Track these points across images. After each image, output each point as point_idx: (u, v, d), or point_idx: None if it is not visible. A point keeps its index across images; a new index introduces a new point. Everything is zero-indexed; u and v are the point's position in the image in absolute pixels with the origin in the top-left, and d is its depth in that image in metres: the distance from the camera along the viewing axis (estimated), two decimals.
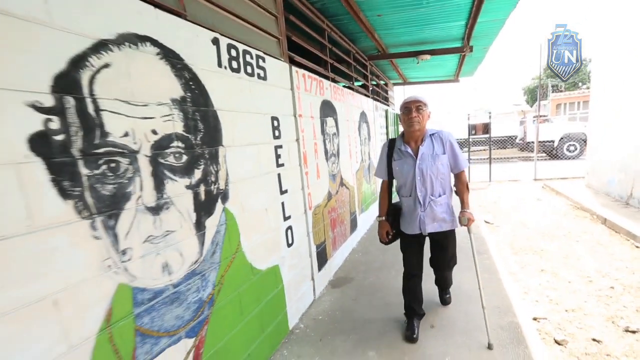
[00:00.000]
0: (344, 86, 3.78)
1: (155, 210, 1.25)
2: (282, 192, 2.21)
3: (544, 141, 14.71)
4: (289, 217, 2.30)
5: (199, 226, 1.47)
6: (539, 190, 7.10)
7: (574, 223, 4.69)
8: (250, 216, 1.84)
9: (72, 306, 0.97)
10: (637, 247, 3.66)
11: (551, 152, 14.28)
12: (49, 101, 0.93)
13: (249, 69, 1.87)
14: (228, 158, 1.67)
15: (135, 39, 1.19)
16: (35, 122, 0.90)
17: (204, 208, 1.49)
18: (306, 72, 2.69)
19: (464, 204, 2.02)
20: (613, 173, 5.37)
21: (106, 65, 1.09)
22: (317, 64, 3.17)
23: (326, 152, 3.05)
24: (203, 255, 1.48)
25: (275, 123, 2.15)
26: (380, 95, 6.12)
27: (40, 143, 0.90)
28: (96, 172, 1.05)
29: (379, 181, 2.51)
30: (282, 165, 2.21)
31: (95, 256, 1.04)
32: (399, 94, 9.38)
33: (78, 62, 1.00)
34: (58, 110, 0.95)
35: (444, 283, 2.40)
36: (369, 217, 4.68)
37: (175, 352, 1.33)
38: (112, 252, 1.09)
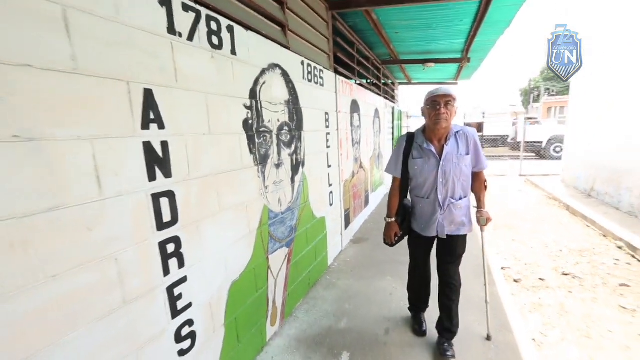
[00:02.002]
0: (360, 84, 4.65)
1: (277, 166, 2.13)
2: (328, 166, 3.11)
3: (533, 142, 15.77)
4: (331, 185, 3.20)
5: (292, 180, 2.36)
6: (522, 184, 8.12)
7: (544, 209, 5.69)
8: (313, 180, 2.74)
9: (251, 211, 1.86)
10: (587, 226, 4.66)
11: (539, 152, 15.29)
12: (247, 102, 1.80)
13: (316, 79, 2.74)
14: (304, 139, 2.54)
15: (274, 66, 2.06)
16: (244, 114, 1.77)
17: (294, 169, 2.38)
18: (343, 78, 3.55)
19: (481, 203, 1.93)
20: (580, 170, 6.38)
21: (264, 82, 1.95)
22: (346, 69, 4.03)
23: (353, 140, 3.95)
24: (293, 198, 2.38)
25: (327, 117, 3.03)
26: (388, 94, 6.99)
27: (244, 125, 1.78)
28: (259, 141, 1.92)
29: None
30: (329, 147, 3.10)
31: (257, 186, 1.92)
32: (403, 93, 10.24)
33: (256, 81, 1.87)
34: (250, 107, 1.82)
35: (448, 311, 1.96)
36: (377, 197, 5.60)
37: (281, 253, 2.23)
38: (262, 186, 1.97)
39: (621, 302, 2.76)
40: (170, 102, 1.28)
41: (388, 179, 6.84)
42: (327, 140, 3.05)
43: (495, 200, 6.22)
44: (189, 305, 1.42)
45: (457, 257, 1.95)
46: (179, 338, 1.37)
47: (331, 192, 3.20)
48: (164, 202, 1.26)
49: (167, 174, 1.27)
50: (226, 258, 1.65)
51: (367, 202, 4.83)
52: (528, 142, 15.68)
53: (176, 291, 1.34)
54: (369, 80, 5.23)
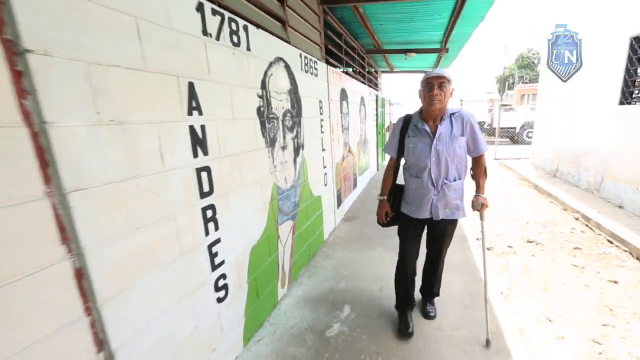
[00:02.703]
0: (346, 73, 4.94)
1: (283, 148, 2.42)
2: (322, 150, 3.41)
3: (507, 128, 16.56)
4: (325, 167, 3.51)
5: (295, 161, 2.65)
6: (496, 167, 8.71)
7: (515, 189, 6.24)
8: (311, 161, 3.04)
9: (264, 186, 2.15)
10: (551, 202, 5.21)
11: (513, 137, 16.09)
12: (259, 92, 2.07)
13: (311, 70, 3.01)
14: (303, 124, 2.83)
15: (278, 59, 2.32)
16: (257, 102, 2.04)
17: (296, 151, 2.67)
18: (333, 69, 3.83)
19: (479, 188, 1.91)
20: (547, 153, 6.97)
21: (271, 74, 2.22)
22: (334, 58, 4.30)
23: (342, 126, 4.25)
24: (296, 177, 2.68)
25: (320, 104, 3.31)
26: (372, 82, 7.30)
27: (258, 111, 2.05)
28: (269, 126, 2.20)
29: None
30: (323, 132, 3.40)
31: (268, 166, 2.21)
32: (385, 80, 10.57)
33: (265, 73, 2.14)
34: (261, 96, 2.09)
35: (434, 280, 2.17)
36: (364, 180, 5.97)
37: (287, 225, 2.54)
38: (272, 165, 2.26)
39: (573, 262, 3.26)
40: (205, 92, 1.54)
41: (374, 164, 7.21)
42: (322, 126, 3.35)
43: (470, 184, 6.73)
44: (223, 262, 1.71)
45: (447, 242, 2.02)
46: (217, 287, 1.67)
47: (325, 174, 3.52)
48: (204, 175, 1.54)
49: (205, 152, 1.55)
50: (247, 226, 1.95)
51: (355, 184, 5.19)
52: (503, 128, 16.48)
53: (213, 249, 1.63)
54: (354, 69, 5.51)
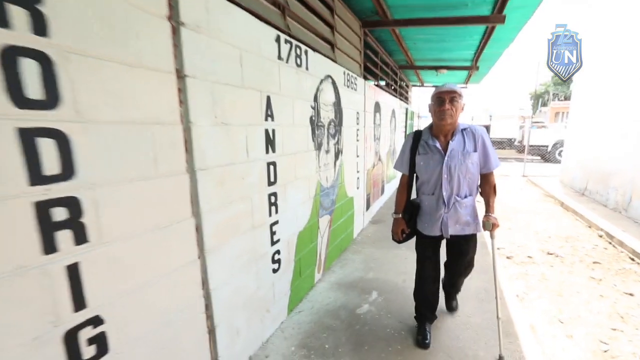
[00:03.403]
0: (379, 86, 5.31)
1: (327, 152, 2.82)
2: (357, 156, 3.79)
3: (538, 145, 16.25)
4: (359, 172, 3.89)
5: (335, 164, 3.04)
6: (523, 184, 8.72)
7: (541, 205, 6.32)
8: (347, 165, 3.42)
9: (311, 183, 2.55)
10: (577, 219, 5.29)
11: (544, 155, 15.75)
12: (312, 104, 2.48)
13: (351, 85, 3.42)
14: (343, 133, 3.22)
15: (327, 76, 2.74)
16: (310, 112, 2.46)
17: (336, 155, 3.07)
18: (369, 83, 4.22)
19: (489, 207, 1.87)
20: (576, 172, 6.98)
21: (322, 89, 2.64)
22: (369, 73, 4.69)
23: (374, 136, 4.62)
24: (334, 178, 3.07)
25: (357, 115, 3.70)
26: (403, 95, 7.63)
27: (310, 120, 2.46)
28: (317, 132, 2.61)
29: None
30: (358, 140, 3.78)
31: (315, 166, 2.61)
32: (416, 94, 10.85)
33: (317, 88, 2.56)
34: (313, 107, 2.51)
35: (452, 289, 2.24)
36: (390, 188, 6.28)
37: (326, 219, 2.93)
38: (317, 166, 2.66)
39: (591, 274, 3.41)
40: (277, 103, 1.97)
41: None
42: (357, 135, 3.73)
43: (497, 198, 6.86)
44: (278, 240, 2.12)
45: (468, 264, 2.02)
46: (273, 260, 2.07)
47: (358, 178, 3.89)
48: (271, 168, 1.96)
49: (274, 150, 1.97)
50: (297, 213, 2.35)
51: (382, 191, 5.51)
52: (534, 146, 16.18)
53: (273, 228, 2.04)
54: (387, 83, 5.88)
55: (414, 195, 2.04)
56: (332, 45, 2.95)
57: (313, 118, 2.50)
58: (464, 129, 1.80)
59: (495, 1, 3.08)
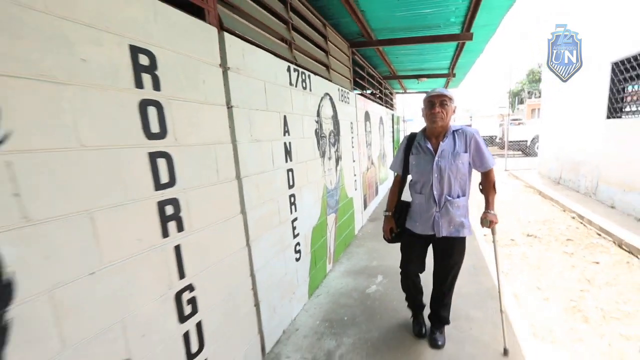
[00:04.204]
0: (366, 96, 5.81)
1: (329, 159, 3.26)
2: (353, 161, 4.24)
3: (518, 141, 17.08)
4: (355, 175, 4.34)
5: (336, 169, 3.48)
6: (505, 177, 9.34)
7: (521, 195, 6.88)
8: (345, 170, 3.86)
9: (319, 186, 2.98)
10: (553, 205, 5.85)
11: (524, 150, 16.56)
12: (316, 118, 2.93)
13: (345, 99, 3.89)
14: (341, 141, 3.67)
15: (325, 94, 3.20)
16: (315, 125, 2.90)
17: (336, 161, 3.51)
18: (360, 96, 4.71)
19: (488, 204, 1.88)
20: (552, 163, 7.60)
21: (322, 105, 3.09)
22: (357, 85, 5.19)
23: (366, 142, 5.09)
24: (336, 181, 3.51)
25: (351, 125, 4.17)
26: (388, 103, 8.18)
27: (315, 132, 2.91)
28: (321, 142, 3.05)
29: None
30: (353, 147, 4.24)
31: (321, 171, 3.04)
32: (399, 100, 11.46)
33: (319, 105, 3.01)
34: (317, 121, 2.95)
35: (438, 307, 2.10)
36: (383, 189, 6.75)
37: (332, 217, 3.35)
38: (322, 171, 3.09)
39: (565, 250, 3.91)
40: (290, 121, 2.40)
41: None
42: (352, 143, 4.19)
43: (480, 193, 7.41)
44: (298, 234, 2.53)
45: (453, 266, 1.95)
46: (295, 250, 2.48)
47: (355, 180, 4.33)
48: (290, 174, 2.39)
49: (291, 159, 2.40)
50: (310, 212, 2.77)
51: (377, 191, 5.97)
52: (514, 141, 17.01)
53: (294, 224, 2.46)
54: (373, 93, 6.40)
55: (406, 196, 2.08)
56: (327, 67, 3.42)
57: (317, 130, 2.95)
58: (456, 131, 1.85)
59: (463, 22, 3.62)
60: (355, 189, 4.36)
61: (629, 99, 4.88)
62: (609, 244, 4.00)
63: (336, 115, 3.51)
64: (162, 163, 1.27)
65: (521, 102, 29.41)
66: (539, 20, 6.37)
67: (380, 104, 6.73)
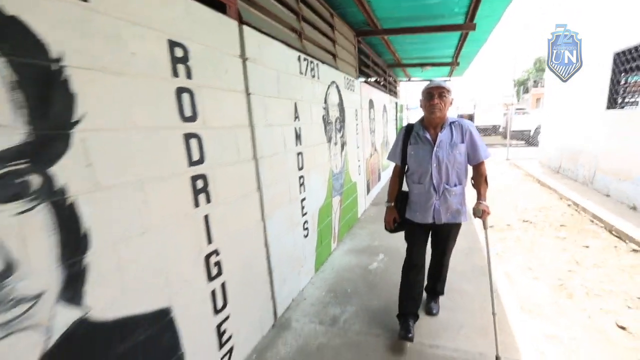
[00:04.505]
0: (370, 84, 5.93)
1: (335, 144, 3.44)
2: (357, 147, 4.42)
3: (522, 130, 17.10)
4: (359, 160, 4.52)
5: (341, 154, 3.67)
6: (507, 166, 9.47)
7: (521, 183, 7.05)
8: (349, 155, 4.04)
9: (325, 169, 3.17)
10: (550, 193, 6.02)
11: (528, 139, 16.59)
12: (323, 105, 3.10)
13: (350, 87, 4.03)
14: (345, 127, 3.84)
15: (332, 82, 3.35)
16: (322, 112, 3.07)
17: (342, 147, 3.69)
18: (364, 83, 4.84)
19: (480, 195, 1.95)
20: (552, 152, 7.73)
21: (329, 93, 3.25)
22: (362, 74, 5.31)
23: (370, 129, 5.25)
24: (341, 166, 3.69)
25: (356, 112, 4.32)
26: (392, 91, 8.27)
27: (322, 118, 3.08)
28: (328, 128, 3.22)
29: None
30: (357, 134, 4.41)
31: (327, 156, 3.23)
32: (404, 88, 11.51)
33: (325, 91, 3.17)
34: (324, 108, 3.12)
35: (437, 278, 2.26)
36: (386, 175, 6.93)
37: (337, 199, 3.55)
38: (329, 155, 3.28)
39: (558, 235, 4.11)
40: (300, 107, 2.58)
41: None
42: (357, 129, 4.36)
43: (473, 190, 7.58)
44: (306, 213, 2.74)
45: (449, 246, 2.12)
46: (303, 228, 2.69)
47: (359, 165, 4.52)
48: (300, 156, 2.57)
49: (300, 143, 2.58)
50: (317, 193, 2.97)
51: (379, 177, 6.16)
52: (518, 131, 17.02)
53: (302, 203, 2.66)
54: (377, 80, 6.51)
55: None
56: (334, 55, 3.56)
57: (324, 117, 3.12)
58: (453, 122, 1.92)
59: (466, 12, 3.72)
60: (359, 174, 4.54)
61: (629, 89, 4.98)
62: (600, 229, 4.19)
63: (342, 102, 3.67)
64: (194, 143, 1.47)
65: (526, 91, 29.15)
66: (544, 12, 6.39)
67: (384, 91, 6.84)
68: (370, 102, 5.27)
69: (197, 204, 1.50)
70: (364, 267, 3.08)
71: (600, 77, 5.54)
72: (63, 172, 0.96)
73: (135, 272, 1.20)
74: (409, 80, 9.97)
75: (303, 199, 2.66)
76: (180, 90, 1.39)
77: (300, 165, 2.60)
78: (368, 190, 5.16)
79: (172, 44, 1.35)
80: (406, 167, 2.07)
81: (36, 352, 0.91)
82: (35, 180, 0.89)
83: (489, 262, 1.99)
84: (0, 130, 0.82)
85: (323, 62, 3.10)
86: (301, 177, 2.62)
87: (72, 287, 0.99)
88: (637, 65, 4.69)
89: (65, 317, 0.98)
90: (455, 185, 1.94)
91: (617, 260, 3.38)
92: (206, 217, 1.55)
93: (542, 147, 8.57)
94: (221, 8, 1.71)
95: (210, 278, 1.60)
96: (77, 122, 0.99)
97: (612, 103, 5.31)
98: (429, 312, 2.29)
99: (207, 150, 1.55)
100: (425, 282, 2.33)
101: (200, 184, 1.51)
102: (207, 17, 1.56)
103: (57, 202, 0.95)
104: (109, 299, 1.11)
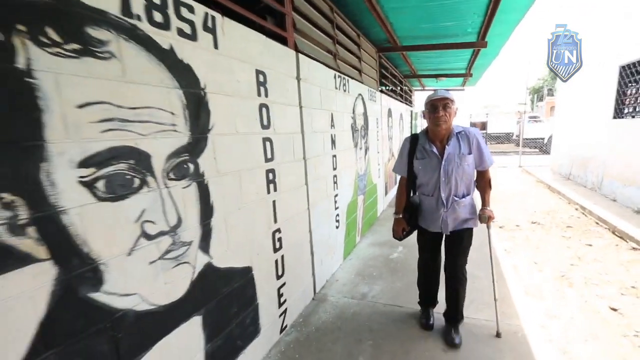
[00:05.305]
0: (388, 94, 6.39)
1: (360, 149, 3.90)
2: (377, 152, 4.86)
3: (535, 138, 17.25)
4: (379, 165, 4.96)
5: (365, 158, 4.12)
6: (519, 173, 9.75)
7: (532, 189, 7.35)
8: (371, 159, 4.49)
9: (352, 171, 3.62)
10: (560, 198, 6.32)
11: (542, 147, 16.72)
12: (351, 115, 3.57)
13: (372, 98, 4.50)
14: (368, 135, 4.29)
15: (359, 95, 3.82)
16: (350, 121, 3.54)
17: (365, 152, 4.14)
18: (383, 94, 5.30)
19: (484, 202, 1.98)
20: (564, 160, 8.00)
21: (355, 104, 3.72)
22: (382, 85, 5.77)
23: (388, 136, 5.70)
24: (365, 168, 4.15)
25: (377, 121, 4.78)
26: (407, 100, 8.71)
27: (350, 126, 3.55)
28: (354, 135, 3.68)
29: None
30: (378, 140, 4.86)
31: (354, 159, 3.69)
32: (418, 97, 11.91)
33: (354, 103, 3.64)
34: (352, 117, 3.59)
35: (454, 301, 2.09)
36: None
37: (361, 197, 4.00)
38: (355, 159, 3.73)
39: (563, 235, 4.45)
40: (335, 117, 3.05)
41: None
42: (377, 136, 4.81)
43: (494, 185, 7.92)
44: (338, 207, 3.19)
45: (463, 250, 2.03)
46: (336, 220, 3.15)
47: (379, 169, 4.96)
48: (334, 158, 3.04)
49: (335, 147, 3.05)
50: (346, 191, 3.43)
51: (395, 181, 6.58)
52: (531, 139, 17.18)
53: (335, 199, 3.12)
54: (394, 90, 6.97)
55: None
56: (360, 71, 4.04)
57: (352, 125, 3.58)
58: (459, 132, 1.89)
59: (479, 32, 4.16)
60: (379, 177, 4.98)
61: (633, 100, 5.30)
62: (604, 231, 4.51)
63: (366, 112, 4.13)
64: (268, 145, 1.95)
65: (541, 99, 29.08)
66: (556, 24, 6.76)
67: (400, 101, 7.28)
68: (389, 111, 5.73)
69: (268, 191, 1.97)
70: (385, 256, 3.51)
71: (607, 88, 5.86)
72: (203, 162, 1.45)
73: (235, 237, 1.68)
74: (424, 89, 10.40)
75: (336, 195, 3.12)
76: (261, 106, 1.87)
77: (334, 166, 3.07)
78: (386, 192, 5.59)
79: (258, 72, 1.84)
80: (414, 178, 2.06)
81: (187, 279, 1.39)
82: (192, 167, 1.38)
83: (491, 257, 2.24)
84: (178, 135, 1.31)
85: (352, 78, 3.58)
86: (335, 176, 3.08)
87: (205, 240, 1.47)
88: None
89: (201, 260, 1.46)
90: (464, 197, 1.93)
91: (616, 256, 3.71)
92: (274, 201, 2.03)
93: (554, 154, 8.83)
94: (283, 40, 2.21)
95: (275, 250, 2.07)
96: (211, 129, 1.48)
97: (618, 113, 5.62)
98: (452, 343, 2.04)
99: (276, 151, 2.03)
100: (444, 308, 2.19)
101: (271, 176, 1.99)
102: (276, 50, 2.05)
103: (200, 182, 1.43)
104: (221, 253, 1.58)
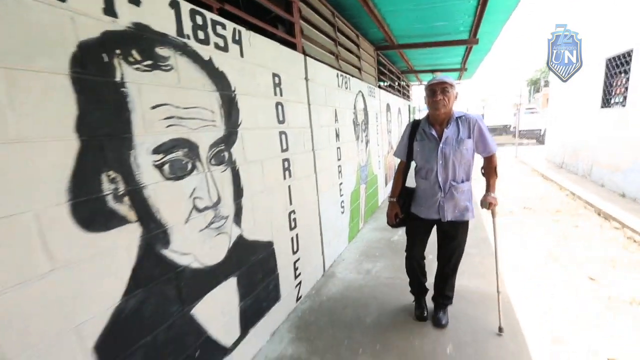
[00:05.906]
0: (386, 89, 6.68)
1: (361, 141, 4.20)
2: (377, 145, 5.17)
3: (533, 130, 17.52)
4: (379, 157, 5.27)
5: (365, 150, 4.43)
6: (514, 163, 10.05)
7: (526, 177, 7.66)
8: (372, 151, 4.80)
9: (354, 162, 3.93)
10: (552, 185, 6.63)
11: (539, 138, 16.99)
12: (352, 110, 3.87)
13: (372, 94, 4.80)
14: (368, 128, 4.60)
15: (359, 91, 4.13)
16: (352, 116, 3.84)
17: (366, 144, 4.45)
18: (381, 89, 5.60)
19: (489, 187, 1.95)
20: (557, 149, 8.30)
21: (356, 100, 4.02)
22: (380, 81, 6.06)
23: (387, 130, 6.00)
24: (366, 160, 4.45)
25: (376, 115, 5.08)
26: (405, 95, 8.99)
27: (352, 121, 3.85)
28: (356, 129, 3.99)
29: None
30: (377, 134, 5.16)
31: (356, 151, 4.00)
32: (415, 91, 12.18)
33: (355, 100, 3.94)
34: (353, 112, 3.89)
35: (443, 286, 2.15)
36: None
37: (363, 187, 4.31)
38: (357, 151, 4.05)
39: (554, 218, 4.76)
40: (339, 112, 3.35)
41: None
42: (377, 130, 5.12)
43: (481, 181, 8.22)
44: (343, 194, 3.51)
45: (457, 245, 2.02)
46: (341, 206, 3.46)
47: (379, 161, 5.27)
48: (338, 150, 3.35)
49: (339, 140, 3.35)
50: (350, 180, 3.74)
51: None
52: (528, 130, 17.46)
53: (340, 187, 3.43)
54: (392, 85, 7.26)
55: (410, 182, 2.13)
56: (359, 69, 4.33)
57: (354, 120, 3.89)
58: (459, 117, 1.88)
59: (470, 29, 4.45)
60: (379, 168, 5.30)
61: (617, 91, 5.60)
62: (591, 213, 4.82)
63: (366, 107, 4.44)
64: (283, 137, 2.26)
65: (538, 90, 29.29)
66: (547, 20, 7.04)
67: (398, 95, 7.58)
68: (387, 105, 6.02)
69: (284, 177, 2.29)
70: (387, 239, 3.83)
71: (595, 79, 6.15)
72: (235, 151, 1.76)
73: (259, 215, 1.99)
74: (421, 83, 10.67)
75: (341, 183, 3.44)
76: (277, 104, 2.18)
77: (339, 157, 3.38)
78: (386, 183, 5.90)
79: (274, 75, 2.15)
80: (412, 163, 2.11)
81: (225, 246, 1.71)
82: (227, 155, 1.69)
83: (495, 249, 2.18)
84: (217, 129, 1.62)
85: (352, 76, 3.88)
86: (339, 166, 3.39)
87: (237, 216, 1.79)
88: (626, 70, 5.31)
89: (235, 232, 1.78)
90: (463, 182, 1.91)
91: (600, 234, 4.03)
92: (289, 186, 2.34)
93: (548, 144, 9.13)
94: (292, 46, 2.51)
95: (291, 228, 2.39)
96: (240, 124, 1.79)
97: (605, 103, 5.91)
98: (438, 324, 2.14)
99: (290, 143, 2.34)
100: (432, 291, 2.29)
101: (286, 164, 2.30)
102: (288, 55, 2.36)
103: (233, 168, 1.75)
104: (249, 227, 1.90)
